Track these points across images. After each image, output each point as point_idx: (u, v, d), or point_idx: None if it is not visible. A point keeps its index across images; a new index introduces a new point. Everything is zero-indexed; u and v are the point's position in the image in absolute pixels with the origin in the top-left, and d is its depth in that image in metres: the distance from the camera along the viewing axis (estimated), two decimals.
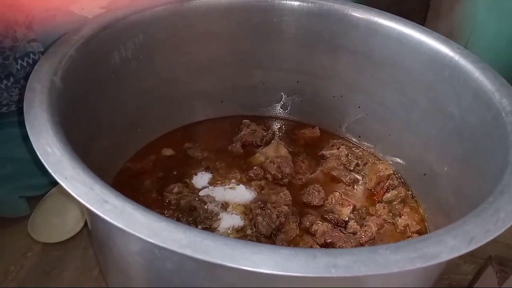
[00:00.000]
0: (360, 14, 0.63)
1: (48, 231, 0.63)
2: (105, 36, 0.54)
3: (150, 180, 0.63)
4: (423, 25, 0.61)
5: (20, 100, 0.56)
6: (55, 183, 0.67)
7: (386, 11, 0.63)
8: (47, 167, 0.36)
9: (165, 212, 0.58)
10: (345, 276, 0.30)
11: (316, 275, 0.30)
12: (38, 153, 0.37)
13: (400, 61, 0.62)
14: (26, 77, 0.45)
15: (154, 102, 0.66)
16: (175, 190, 0.61)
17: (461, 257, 0.33)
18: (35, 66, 0.46)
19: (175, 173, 0.64)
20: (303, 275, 0.29)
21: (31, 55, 0.61)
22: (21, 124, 0.40)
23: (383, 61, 0.63)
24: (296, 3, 0.65)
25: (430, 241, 0.33)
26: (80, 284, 0.58)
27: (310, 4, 0.65)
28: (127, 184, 0.62)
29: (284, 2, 0.65)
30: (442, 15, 1.02)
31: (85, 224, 0.65)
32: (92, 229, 0.49)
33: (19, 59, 0.60)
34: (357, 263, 0.30)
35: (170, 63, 0.65)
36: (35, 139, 0.38)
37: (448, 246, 0.33)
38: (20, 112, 0.41)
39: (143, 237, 0.31)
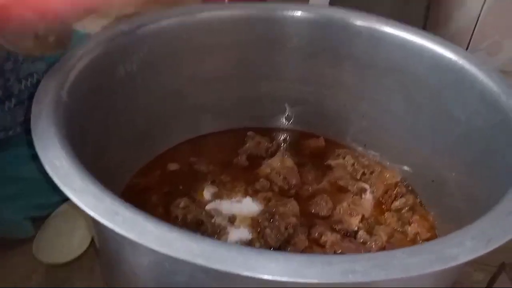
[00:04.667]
0: (362, 22, 0.63)
1: (54, 252, 0.62)
2: (110, 50, 0.54)
3: (156, 195, 0.62)
4: None
5: (26, 121, 0.56)
6: (59, 203, 0.67)
7: None
8: (55, 180, 0.35)
9: None
10: (362, 281, 0.29)
11: (334, 281, 0.29)
12: (46, 167, 0.37)
13: (404, 67, 0.62)
14: (30, 98, 0.44)
15: (160, 116, 0.66)
16: (182, 204, 0.60)
17: (471, 265, 0.32)
18: (42, 80, 0.46)
19: (181, 187, 0.64)
20: (321, 281, 0.29)
21: (35, 75, 0.61)
22: (29, 144, 0.40)
23: (387, 68, 0.63)
24: (298, 13, 0.66)
25: (448, 243, 0.33)
26: None
27: (312, 14, 0.66)
28: (134, 199, 0.60)
29: (287, 12, 0.66)
30: (441, 24, 1.03)
31: (91, 244, 0.64)
32: (101, 245, 0.48)
33: (22, 80, 0.60)
34: (375, 268, 0.30)
35: (175, 76, 0.65)
36: (42, 153, 0.38)
37: (466, 247, 0.32)
38: (27, 132, 0.41)
39: (155, 248, 0.31)
